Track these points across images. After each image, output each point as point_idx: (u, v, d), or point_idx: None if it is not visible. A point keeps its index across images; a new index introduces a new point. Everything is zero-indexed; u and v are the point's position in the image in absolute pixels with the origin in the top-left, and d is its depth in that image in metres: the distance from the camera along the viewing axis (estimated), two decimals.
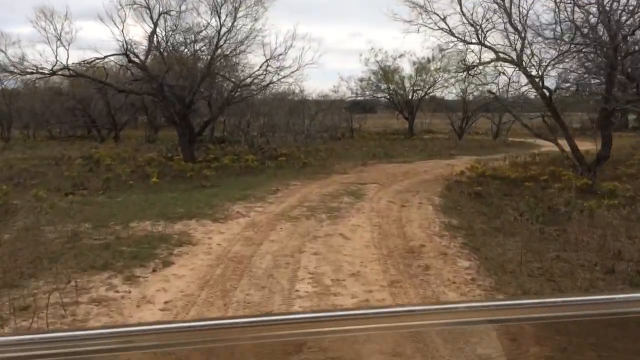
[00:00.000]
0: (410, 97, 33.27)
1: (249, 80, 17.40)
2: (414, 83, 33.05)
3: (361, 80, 34.04)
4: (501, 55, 13.60)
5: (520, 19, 12.91)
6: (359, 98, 35.41)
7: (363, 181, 13.87)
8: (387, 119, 38.42)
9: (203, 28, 16.82)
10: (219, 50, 17.02)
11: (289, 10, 62.68)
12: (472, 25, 13.42)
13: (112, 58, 17.42)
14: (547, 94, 13.28)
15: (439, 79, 32.25)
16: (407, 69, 36.94)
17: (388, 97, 34.41)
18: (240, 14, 16.37)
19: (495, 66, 14.51)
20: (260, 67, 16.86)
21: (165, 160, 18.20)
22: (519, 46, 13.04)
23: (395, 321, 1.02)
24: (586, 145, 17.11)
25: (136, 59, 16.69)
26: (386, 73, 33.11)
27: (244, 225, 8.56)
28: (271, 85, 17.71)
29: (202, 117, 20.68)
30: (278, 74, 17.10)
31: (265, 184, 13.23)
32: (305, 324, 1.00)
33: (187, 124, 17.61)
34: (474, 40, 13.79)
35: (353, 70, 73.03)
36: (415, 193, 11.82)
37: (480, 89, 19.59)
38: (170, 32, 17.12)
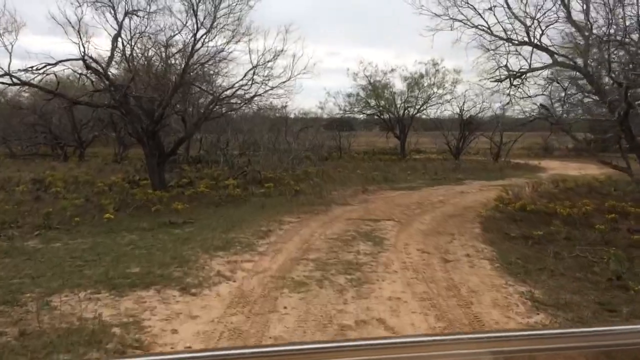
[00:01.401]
0: (401, 114, 30.69)
1: (230, 91, 14.47)
2: (405, 99, 30.53)
3: (349, 95, 31.44)
4: (559, 59, 10.96)
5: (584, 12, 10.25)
6: (337, 116, 32.70)
7: (373, 216, 11.04)
8: (369, 137, 35.73)
9: (177, 31, 13.89)
10: (195, 57, 14.11)
11: (263, 32, 60.03)
12: (520, 21, 10.75)
13: (68, 64, 14.32)
14: (626, 107, 10.50)
15: (433, 95, 29.81)
16: (398, 84, 34.42)
17: (378, 114, 31.77)
18: (220, 14, 13.50)
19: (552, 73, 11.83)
20: (245, 76, 13.97)
21: (129, 185, 15.11)
22: (581, 47, 10.39)
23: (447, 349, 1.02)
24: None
25: (96, 66, 13.67)
26: (376, 88, 30.53)
27: (228, 301, 5.60)
28: (257, 97, 14.77)
29: (176, 134, 17.75)
30: (265, 85, 14.21)
31: (252, 221, 10.30)
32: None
33: (157, 143, 14.59)
34: (520, 40, 11.13)
35: (331, 89, 70.57)
36: (449, 236, 9.01)
37: (520, 103, 16.35)
38: (138, 35, 14.15)
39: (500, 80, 12.79)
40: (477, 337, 1.14)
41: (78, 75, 15.08)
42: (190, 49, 13.73)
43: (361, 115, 33.45)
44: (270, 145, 25.32)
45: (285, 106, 29.98)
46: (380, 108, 30.95)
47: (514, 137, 28.32)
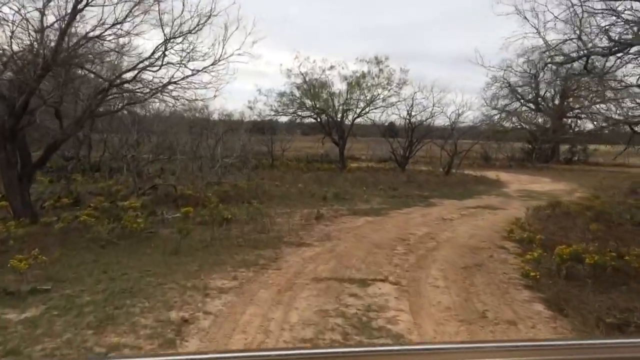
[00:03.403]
0: (341, 117, 26.86)
1: (130, 75, 9.80)
2: (345, 101, 26.71)
3: (282, 95, 27.17)
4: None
5: None
6: (267, 118, 28.30)
7: (353, 270, 6.93)
8: (298, 142, 31.56)
9: None
10: (78, 25, 9.41)
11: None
12: None
13: None
14: None
15: (377, 97, 26.19)
16: (338, 84, 30.62)
17: (315, 116, 27.72)
18: None
19: None
20: (153, 53, 9.40)
21: None
22: None
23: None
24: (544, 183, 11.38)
25: None
26: (313, 88, 26.49)
27: None
28: (172, 86, 10.17)
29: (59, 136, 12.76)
30: (184, 67, 9.68)
31: (155, 290, 5.88)
32: None
33: (20, 147, 9.73)
34: None
35: (253, 92, 65.60)
36: (505, 324, 5.06)
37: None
38: None
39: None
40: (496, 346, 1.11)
41: None
42: (68, 11, 9.01)
43: (288, 118, 29.17)
44: (190, 151, 20.73)
45: (207, 106, 25.43)
46: (317, 110, 26.91)
47: (464, 145, 25.29)
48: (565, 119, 37.75)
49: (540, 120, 37.76)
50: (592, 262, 6.80)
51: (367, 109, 26.66)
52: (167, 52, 9.08)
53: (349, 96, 26.54)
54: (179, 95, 9.82)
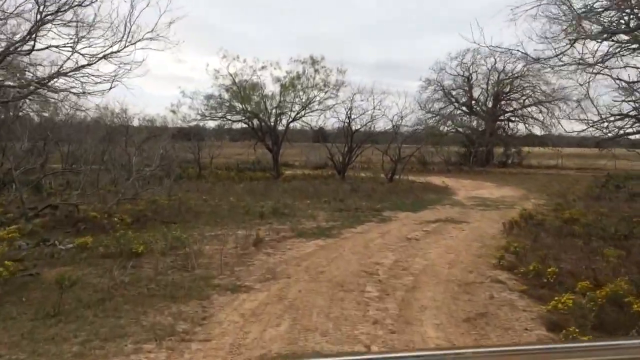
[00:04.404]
0: (274, 122, 24.57)
1: None
2: (279, 104, 24.45)
3: (209, 98, 24.52)
4: None
5: None
6: (192, 123, 25.49)
7: (315, 340, 4.72)
8: (226, 149, 28.87)
9: None
10: None
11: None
12: None
13: None
14: None
15: (314, 99, 24.13)
16: (271, 86, 28.11)
17: (246, 120, 25.23)
18: None
19: None
20: (34, 30, 6.77)
21: None
22: None
23: None
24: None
25: None
26: (243, 90, 24.04)
27: None
28: (61, 78, 7.53)
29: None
30: (75, 52, 7.09)
31: None
32: None
33: None
34: None
35: (175, 98, 61.77)
36: None
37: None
38: None
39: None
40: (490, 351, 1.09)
41: None
42: None
43: (216, 123, 26.48)
44: (103, 161, 17.87)
45: (126, 109, 22.48)
46: (248, 114, 24.46)
47: (404, 150, 23.67)
48: (498, 122, 37.37)
49: (474, 123, 37.17)
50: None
51: (302, 112, 24.55)
52: (44, 29, 6.45)
53: (282, 99, 24.36)
54: (66, 89, 7.17)
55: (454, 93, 37.09)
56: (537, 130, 36.02)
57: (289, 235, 9.84)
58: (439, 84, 36.70)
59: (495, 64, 35.77)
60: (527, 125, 36.82)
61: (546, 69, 12.24)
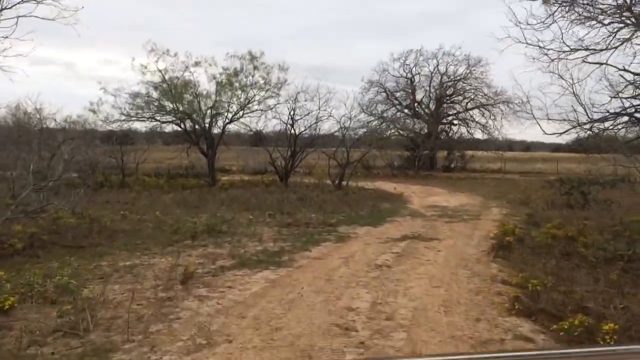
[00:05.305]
0: (209, 123, 22.09)
1: None
2: (214, 104, 22.00)
3: (135, 96, 21.67)
4: None
5: None
6: (116, 124, 22.50)
7: None
8: (157, 153, 26.11)
9: None
10: None
11: (24, 30, 45.85)
12: None
13: None
14: None
15: (253, 99, 21.87)
16: (206, 84, 25.49)
17: (178, 122, 22.57)
18: None
19: None
20: None
21: None
22: None
23: None
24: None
25: None
26: (174, 87, 21.43)
27: None
28: None
29: None
30: None
31: None
32: None
33: None
34: None
35: (106, 100, 57.61)
36: None
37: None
38: None
39: None
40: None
41: None
42: None
43: (147, 125, 23.60)
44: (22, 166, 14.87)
45: (40, 109, 19.40)
46: (180, 114, 21.84)
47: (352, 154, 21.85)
48: (441, 125, 36.45)
49: (417, 126, 36.02)
50: None
51: (241, 113, 22.22)
52: None
53: (218, 98, 21.94)
54: None
55: (397, 95, 35.87)
56: (479, 134, 35.41)
57: (229, 264, 7.63)
58: (382, 86, 35.37)
59: (437, 66, 34.88)
60: (469, 129, 36.15)
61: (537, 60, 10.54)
